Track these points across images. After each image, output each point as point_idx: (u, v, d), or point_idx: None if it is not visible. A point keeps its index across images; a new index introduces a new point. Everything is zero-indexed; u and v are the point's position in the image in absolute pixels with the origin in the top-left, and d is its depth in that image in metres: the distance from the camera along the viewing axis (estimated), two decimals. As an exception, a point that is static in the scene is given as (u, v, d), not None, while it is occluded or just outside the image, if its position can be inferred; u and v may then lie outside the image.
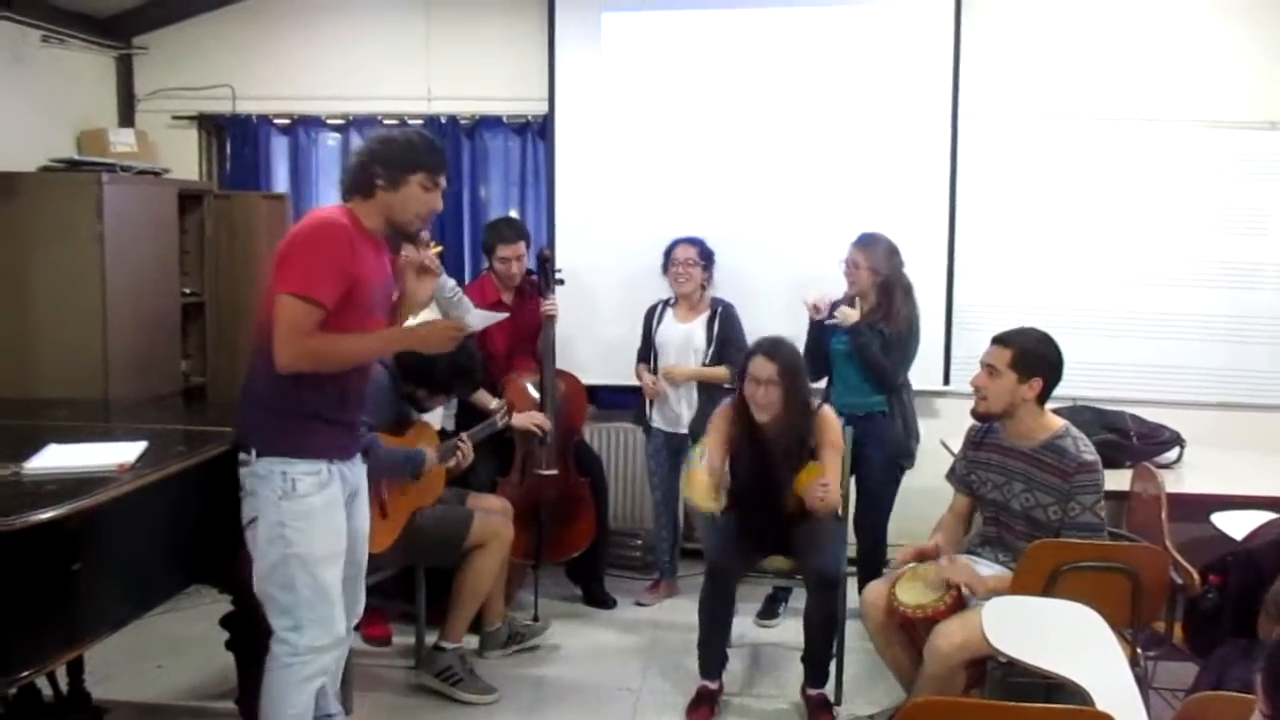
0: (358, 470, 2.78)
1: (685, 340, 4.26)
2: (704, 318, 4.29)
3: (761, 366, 3.35)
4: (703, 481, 3.28)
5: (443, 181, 2.65)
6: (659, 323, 4.35)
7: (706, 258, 4.29)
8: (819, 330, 4.09)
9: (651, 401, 4.35)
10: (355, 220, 2.58)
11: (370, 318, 2.61)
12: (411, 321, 2.86)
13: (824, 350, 4.08)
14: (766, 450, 3.40)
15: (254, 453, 2.56)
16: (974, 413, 3.11)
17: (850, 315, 3.92)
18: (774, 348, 3.38)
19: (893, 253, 4.00)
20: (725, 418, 3.51)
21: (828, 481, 3.25)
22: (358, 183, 2.60)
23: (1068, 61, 4.64)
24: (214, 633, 3.02)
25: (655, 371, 4.32)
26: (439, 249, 3.02)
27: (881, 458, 4.00)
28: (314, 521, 2.57)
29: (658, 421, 4.35)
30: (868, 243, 4.01)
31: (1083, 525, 2.92)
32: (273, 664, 2.62)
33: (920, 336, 4.07)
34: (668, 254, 4.30)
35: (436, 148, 2.68)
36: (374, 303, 2.63)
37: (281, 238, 2.63)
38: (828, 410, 3.54)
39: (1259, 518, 3.06)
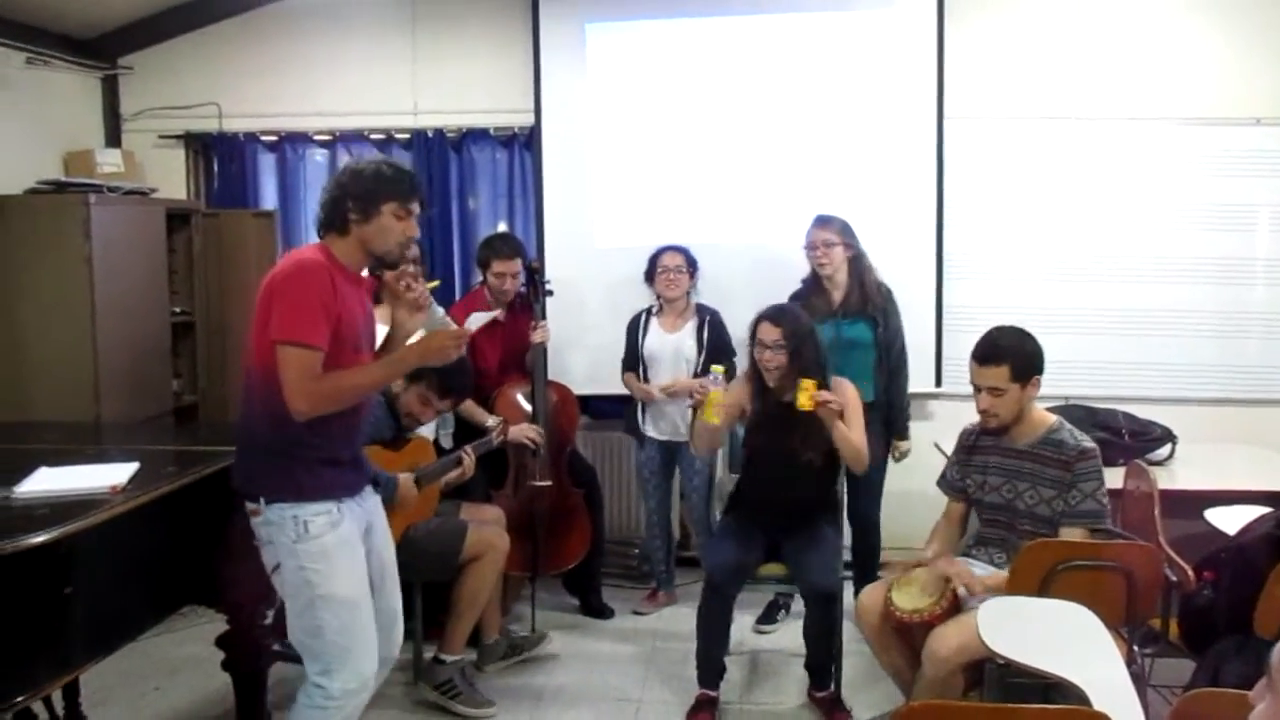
0: (369, 503, 2.77)
1: (675, 351, 4.26)
2: (691, 325, 4.29)
3: (767, 331, 3.44)
4: (718, 398, 3.34)
5: (415, 208, 2.63)
6: (645, 334, 4.33)
7: (692, 265, 4.29)
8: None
9: (644, 410, 4.35)
10: (332, 258, 2.56)
11: (358, 354, 2.60)
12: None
13: None
14: (779, 415, 3.41)
15: (262, 501, 2.54)
16: (987, 431, 3.10)
17: (906, 448, 4.15)
18: (779, 313, 3.48)
19: (850, 228, 4.06)
20: (739, 389, 3.58)
21: (828, 397, 3.33)
22: (332, 219, 2.59)
23: (1051, 63, 4.66)
24: (209, 653, 3.01)
25: (646, 382, 4.30)
26: (435, 284, 3.03)
27: (874, 445, 4.00)
28: (331, 561, 2.55)
29: (651, 431, 4.35)
30: (830, 221, 4.04)
31: (1084, 513, 2.93)
32: (305, 702, 2.60)
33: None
34: (653, 261, 4.29)
35: (406, 174, 2.65)
36: (360, 339, 2.62)
37: (270, 256, 2.65)
38: (841, 379, 3.57)
39: (1252, 512, 3.08)
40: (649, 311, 4.37)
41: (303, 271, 2.49)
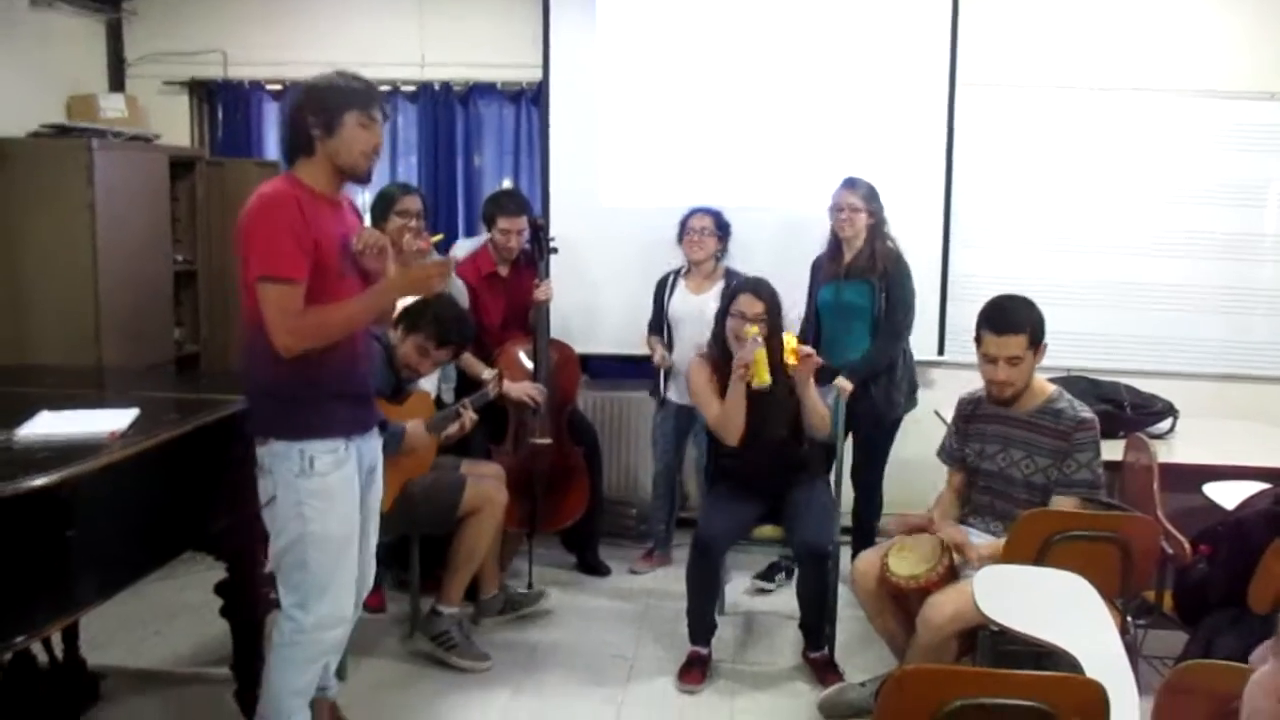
0: (374, 445, 2.76)
1: (700, 314, 4.20)
2: (718, 289, 4.24)
3: (750, 303, 3.48)
4: (764, 357, 3.35)
5: (378, 115, 2.56)
6: (671, 294, 4.32)
7: (723, 229, 4.28)
8: (813, 287, 4.13)
9: (667, 374, 4.34)
10: (301, 185, 2.51)
11: (343, 281, 2.55)
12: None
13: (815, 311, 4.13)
14: (751, 391, 3.43)
15: (271, 438, 2.53)
16: (997, 401, 3.08)
17: (845, 387, 3.91)
18: (759, 286, 3.54)
19: (876, 193, 4.04)
20: (704, 372, 3.59)
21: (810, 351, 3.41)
22: (296, 142, 2.54)
23: (1066, 32, 4.61)
24: (209, 599, 3.03)
25: (671, 343, 4.29)
26: (439, 238, 2.99)
27: (877, 412, 4.01)
28: (331, 501, 2.55)
29: (672, 394, 4.34)
30: (857, 184, 4.02)
31: (1079, 482, 2.93)
32: (279, 639, 2.62)
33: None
34: (683, 223, 4.28)
35: (363, 81, 2.59)
36: (343, 264, 2.56)
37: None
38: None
39: (1250, 488, 3.08)
40: (676, 273, 4.36)
41: (268, 205, 2.45)
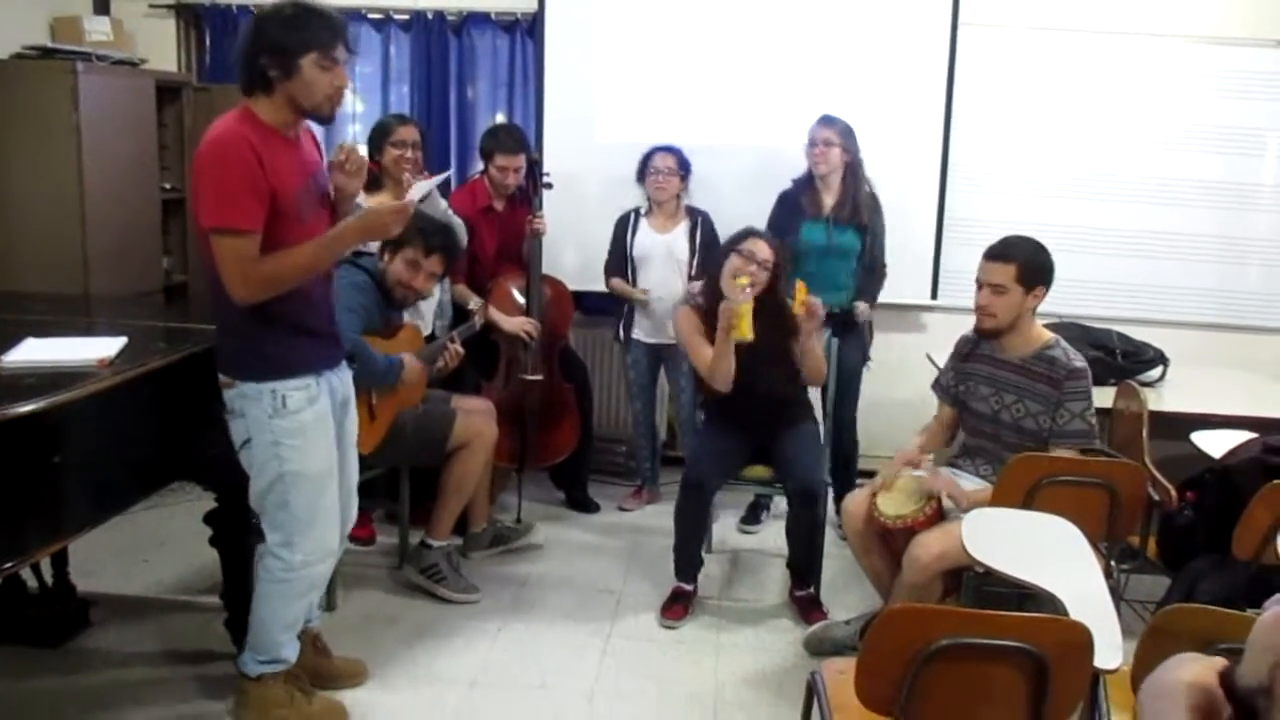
0: (345, 377, 2.74)
1: (667, 251, 4.21)
2: (684, 227, 4.23)
3: (761, 247, 3.46)
4: (748, 311, 3.26)
5: (341, 54, 2.39)
6: (634, 233, 4.28)
7: (685, 167, 4.21)
8: (786, 224, 4.05)
9: (633, 312, 4.32)
10: (256, 123, 2.37)
11: (302, 225, 2.45)
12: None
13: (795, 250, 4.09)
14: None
15: (238, 380, 2.50)
16: (979, 330, 3.09)
17: (864, 311, 4.03)
18: (767, 233, 3.56)
19: (852, 132, 4.02)
20: (693, 319, 3.54)
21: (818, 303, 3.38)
22: (252, 79, 2.37)
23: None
24: (198, 528, 3.03)
25: (634, 282, 4.26)
26: (447, 175, 2.91)
27: (855, 349, 4.07)
28: (307, 437, 2.54)
29: (638, 333, 4.32)
30: (834, 121, 4.00)
31: (1073, 433, 2.94)
32: (266, 576, 2.63)
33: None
34: (645, 161, 4.22)
35: (324, 15, 2.38)
36: (302, 208, 2.45)
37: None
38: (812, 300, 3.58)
39: (1238, 437, 3.10)
40: (637, 212, 4.31)
41: (220, 149, 2.33)
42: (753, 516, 4.33)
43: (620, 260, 4.30)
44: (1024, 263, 2.95)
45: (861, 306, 4.05)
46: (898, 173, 4.24)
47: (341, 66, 2.42)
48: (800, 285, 3.39)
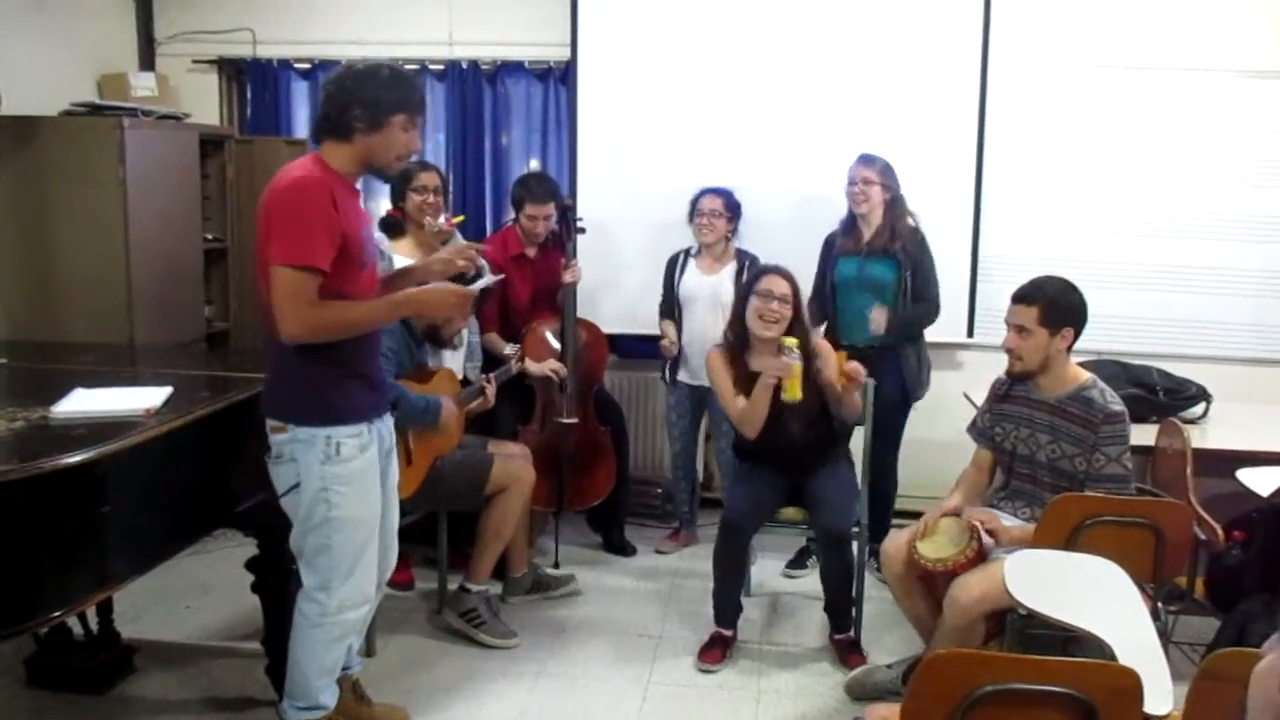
0: (390, 425, 2.78)
1: (713, 294, 4.19)
2: (730, 269, 4.23)
3: (778, 283, 3.51)
4: (799, 371, 3.34)
5: (421, 121, 2.56)
6: (682, 274, 4.30)
7: (733, 209, 4.23)
8: (826, 264, 4.09)
9: (678, 355, 4.32)
10: (328, 169, 2.46)
11: (362, 272, 2.54)
12: None
13: (831, 287, 4.10)
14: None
15: (291, 425, 2.52)
16: (1010, 374, 3.08)
17: (877, 319, 3.96)
18: (783, 269, 3.59)
19: (892, 170, 4.02)
20: (724, 361, 3.59)
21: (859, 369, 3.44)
22: (334, 125, 2.47)
23: (1102, 9, 4.52)
24: (240, 575, 3.06)
25: (681, 324, 4.27)
26: (461, 219, 2.99)
27: (893, 391, 3.98)
28: (357, 485, 2.56)
29: (683, 375, 4.33)
30: (873, 160, 4.01)
31: (1108, 477, 2.90)
32: (303, 622, 2.64)
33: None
34: (694, 204, 4.24)
35: (415, 84, 2.55)
36: (365, 255, 2.56)
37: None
38: (823, 341, 3.71)
39: (1285, 474, 3.04)
40: (686, 253, 4.33)
41: (301, 189, 2.40)
42: (799, 561, 4.29)
43: (669, 302, 4.32)
44: (1047, 304, 2.93)
45: (875, 314, 3.93)
46: (932, 210, 4.23)
47: (417, 131, 2.55)
48: (841, 355, 3.45)
